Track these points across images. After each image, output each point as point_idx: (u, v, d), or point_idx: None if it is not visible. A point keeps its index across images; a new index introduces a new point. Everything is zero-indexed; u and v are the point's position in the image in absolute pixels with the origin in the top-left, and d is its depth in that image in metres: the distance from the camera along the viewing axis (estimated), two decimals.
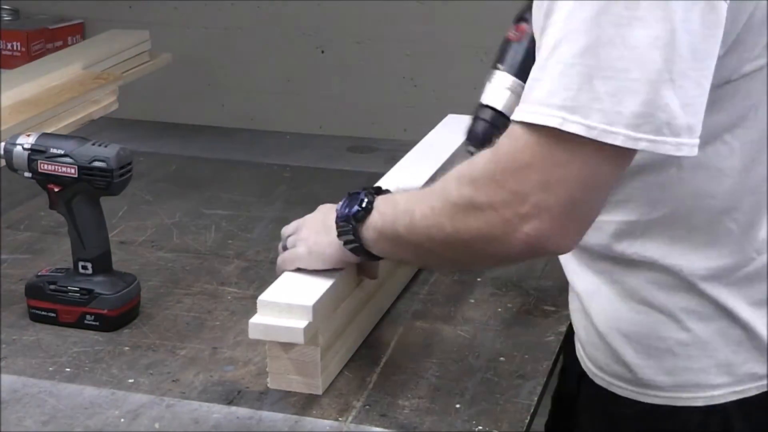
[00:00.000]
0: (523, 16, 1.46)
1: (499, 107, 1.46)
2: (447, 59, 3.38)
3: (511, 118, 1.16)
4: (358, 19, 3.45)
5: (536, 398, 1.35)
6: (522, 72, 1.45)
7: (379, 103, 3.48)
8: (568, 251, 1.21)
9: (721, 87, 1.16)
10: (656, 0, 1.06)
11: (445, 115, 1.93)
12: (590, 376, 1.35)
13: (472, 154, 1.42)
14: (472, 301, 1.58)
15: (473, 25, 3.25)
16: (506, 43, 1.48)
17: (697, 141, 1.11)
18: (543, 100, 1.11)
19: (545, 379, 1.40)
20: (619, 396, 1.32)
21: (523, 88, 1.29)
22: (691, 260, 1.25)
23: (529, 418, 1.31)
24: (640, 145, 1.09)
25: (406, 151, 1.77)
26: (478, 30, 3.15)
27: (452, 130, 1.86)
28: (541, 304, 1.57)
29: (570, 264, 1.36)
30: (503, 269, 1.66)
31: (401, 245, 1.30)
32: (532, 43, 1.33)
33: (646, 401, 1.30)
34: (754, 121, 1.22)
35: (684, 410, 1.29)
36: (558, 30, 1.10)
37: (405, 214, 1.27)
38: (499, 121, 1.46)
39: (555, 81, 1.10)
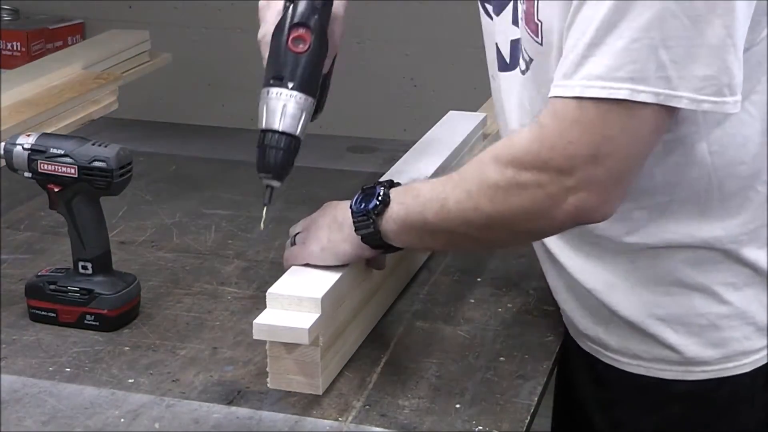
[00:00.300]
0: (305, 22, 1.32)
1: (297, 132, 1.34)
2: (447, 59, 3.38)
3: (555, 94, 1.17)
4: (358, 19, 3.44)
5: (536, 398, 1.35)
6: (310, 86, 1.32)
7: (379, 103, 3.48)
8: (609, 218, 1.22)
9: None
10: None
11: (445, 114, 1.93)
12: (620, 367, 1.38)
13: (270, 187, 1.36)
14: (472, 301, 1.58)
15: (473, 25, 3.24)
16: (286, 55, 1.32)
17: (740, 95, 1.16)
18: (603, 74, 1.13)
19: (545, 379, 1.40)
20: (663, 379, 1.35)
21: (312, 104, 1.29)
22: (728, 227, 1.29)
23: (529, 418, 1.31)
24: (703, 107, 1.14)
25: (406, 151, 1.77)
26: (478, 30, 3.14)
27: (454, 126, 1.87)
28: (541, 304, 1.57)
29: (574, 263, 1.36)
30: (503, 269, 1.67)
31: (430, 233, 1.30)
32: (315, 52, 1.30)
33: (693, 378, 1.34)
34: (765, 84, 1.25)
35: (731, 379, 1.33)
36: (610, 8, 1.12)
37: (434, 202, 1.27)
38: (294, 145, 1.34)
39: (617, 55, 1.13)
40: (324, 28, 1.34)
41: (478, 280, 1.64)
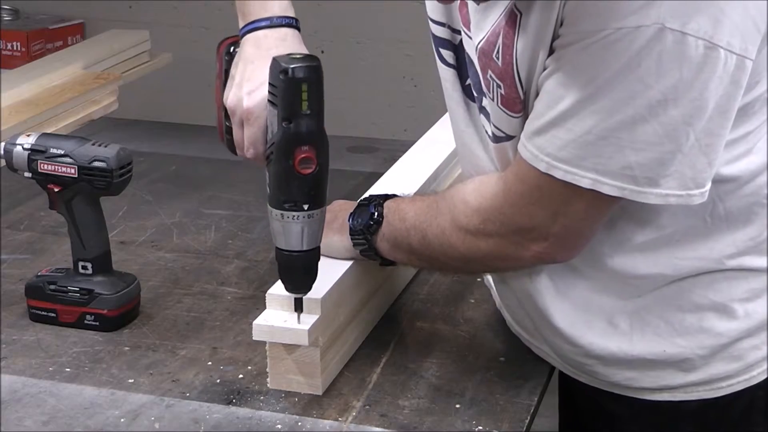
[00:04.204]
0: (309, 141, 1.23)
1: (318, 242, 1.29)
2: None
3: (522, 154, 1.18)
4: (358, 19, 3.45)
5: (536, 398, 1.35)
6: (323, 198, 1.27)
7: (379, 103, 3.48)
8: (575, 257, 1.26)
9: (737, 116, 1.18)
10: (690, 81, 1.08)
11: (445, 114, 1.93)
12: (638, 397, 1.35)
13: (299, 298, 1.31)
14: (472, 301, 1.58)
15: None
16: (295, 179, 1.24)
17: (710, 182, 1.16)
18: (569, 159, 1.14)
19: (545, 379, 1.40)
20: (685, 401, 1.33)
21: (325, 209, 1.27)
22: (737, 242, 1.27)
23: (529, 418, 1.31)
24: (669, 201, 1.15)
25: (406, 151, 1.77)
26: None
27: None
28: None
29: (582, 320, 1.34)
30: None
31: (416, 256, 1.36)
32: (324, 166, 1.24)
33: (715, 395, 1.32)
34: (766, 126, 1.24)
35: (748, 391, 1.32)
36: (583, 96, 1.11)
37: (417, 231, 1.32)
38: (317, 254, 1.30)
39: (585, 147, 1.13)
40: (324, 132, 1.27)
41: (478, 280, 1.63)
